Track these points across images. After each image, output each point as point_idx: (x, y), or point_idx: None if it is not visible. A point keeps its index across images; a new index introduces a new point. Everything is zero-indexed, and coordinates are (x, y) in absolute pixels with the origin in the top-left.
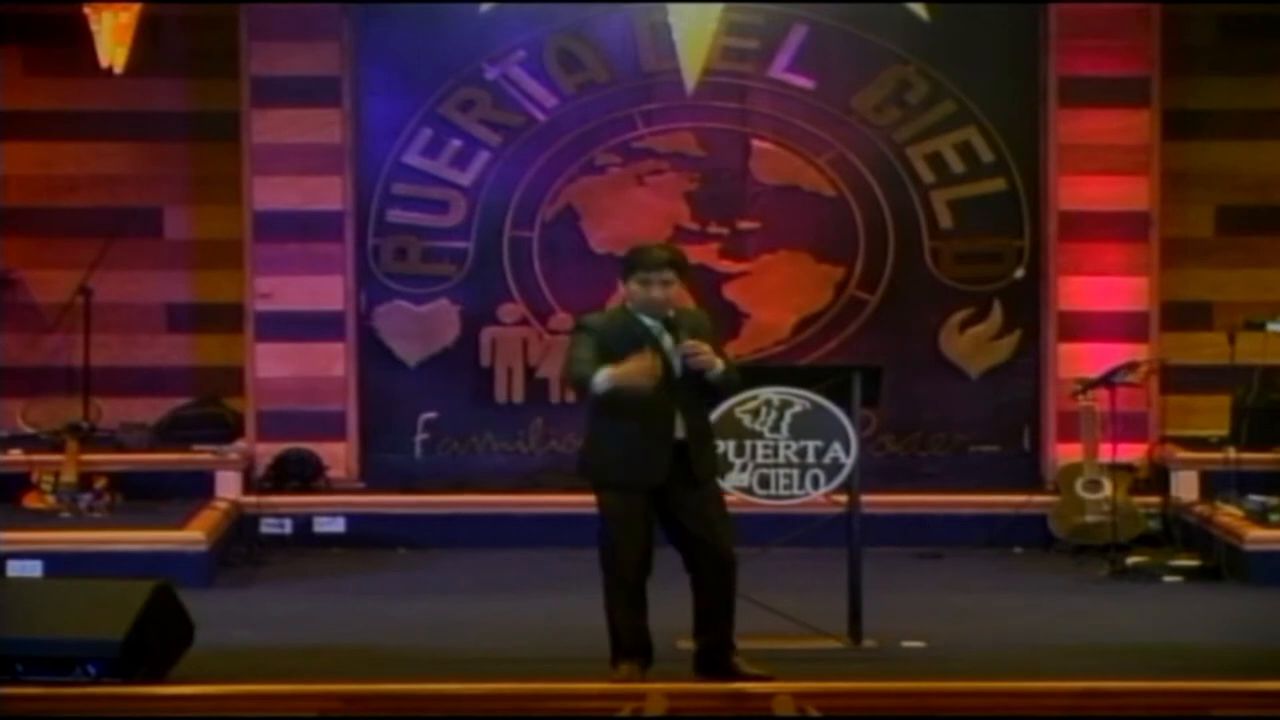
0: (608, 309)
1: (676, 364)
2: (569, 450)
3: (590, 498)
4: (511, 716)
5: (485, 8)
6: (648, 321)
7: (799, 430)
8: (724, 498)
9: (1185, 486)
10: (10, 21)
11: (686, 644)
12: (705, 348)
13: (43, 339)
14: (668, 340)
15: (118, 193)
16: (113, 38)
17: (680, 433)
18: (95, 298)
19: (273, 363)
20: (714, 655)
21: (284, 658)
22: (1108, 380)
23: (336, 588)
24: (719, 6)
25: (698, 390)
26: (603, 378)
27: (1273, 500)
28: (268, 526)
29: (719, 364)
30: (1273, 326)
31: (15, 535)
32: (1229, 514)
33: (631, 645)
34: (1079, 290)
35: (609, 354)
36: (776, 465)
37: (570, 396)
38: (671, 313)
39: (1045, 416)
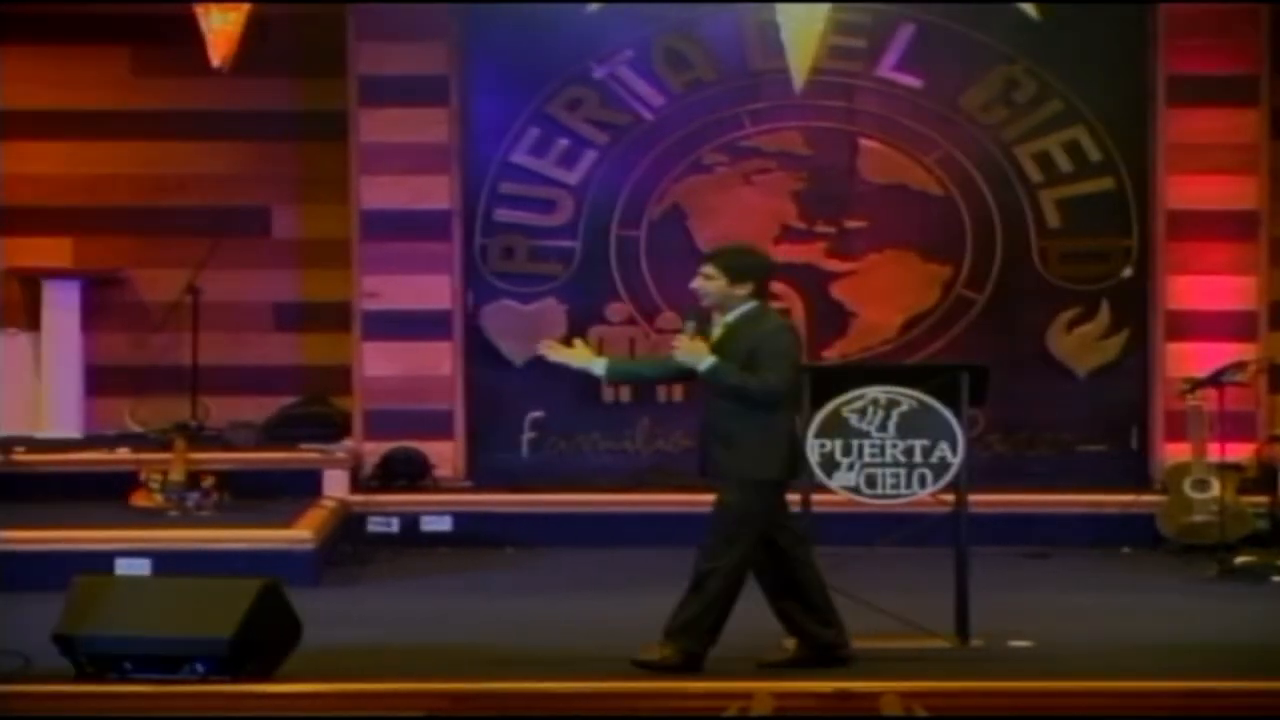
0: None
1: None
2: (675, 449)
3: (694, 497)
4: (617, 715)
5: (593, 7)
6: (716, 315)
7: (906, 429)
8: (738, 503)
9: None
10: (119, 21)
11: (792, 642)
12: (680, 343)
13: (151, 338)
14: (701, 332)
15: (226, 192)
16: (222, 37)
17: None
18: (203, 297)
19: (380, 362)
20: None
21: (391, 656)
22: (1216, 379)
23: (443, 587)
24: (826, 6)
25: (714, 389)
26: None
27: None
28: (375, 525)
29: (700, 361)
30: None
31: (124, 534)
32: None
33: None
34: (1187, 289)
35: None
36: (883, 465)
37: (677, 395)
38: (730, 312)
39: (1153, 416)
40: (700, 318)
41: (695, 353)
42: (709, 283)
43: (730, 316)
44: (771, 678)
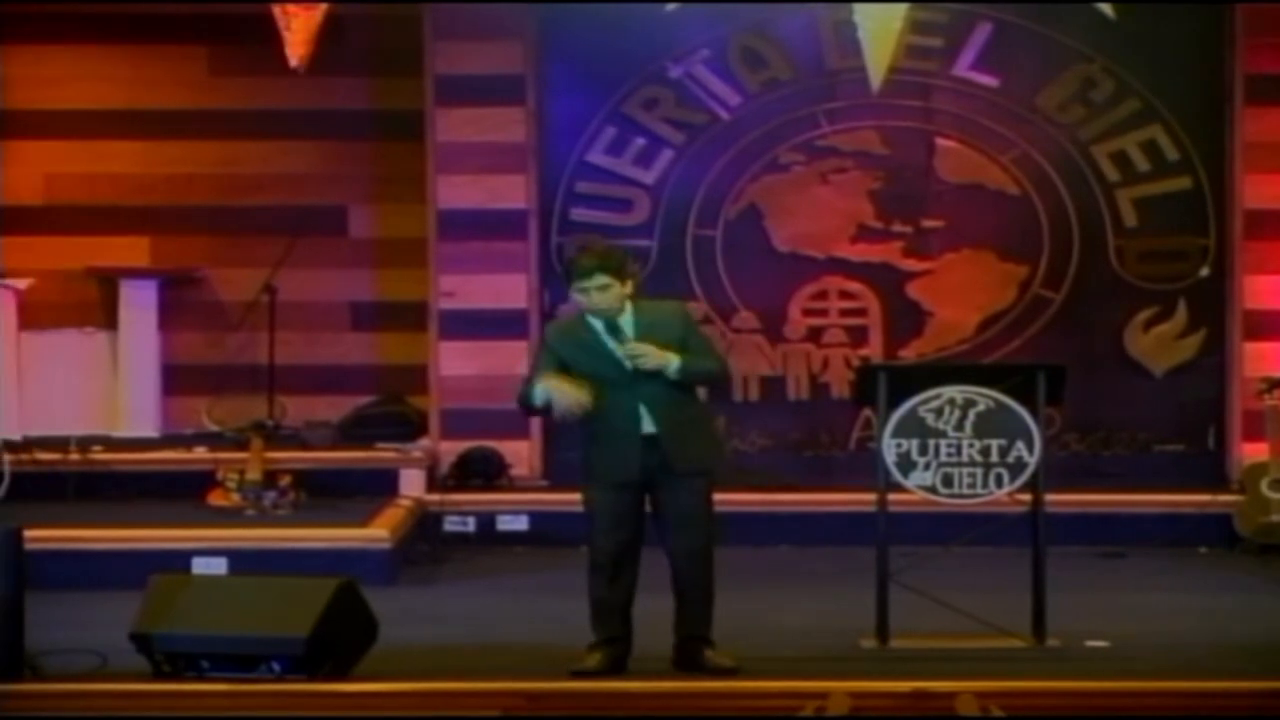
0: (571, 315)
1: (628, 363)
2: (750, 449)
3: (765, 496)
4: (693, 715)
5: (670, 7)
6: (596, 324)
7: (982, 429)
8: (711, 495)
9: None
10: (197, 21)
11: (870, 642)
12: (645, 349)
13: (227, 337)
14: (611, 342)
15: (302, 191)
16: (300, 37)
17: (649, 427)
18: (279, 296)
19: (456, 361)
20: (687, 649)
21: (467, 656)
22: None
23: (519, 586)
24: (904, 5)
25: (669, 384)
26: (540, 389)
27: None
28: (451, 524)
29: (671, 361)
30: None
31: (200, 533)
32: None
33: (602, 629)
34: (1265, 289)
35: (564, 363)
36: (960, 464)
37: (753, 394)
38: (624, 312)
39: (1230, 415)
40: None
41: (663, 356)
42: (607, 293)
43: (626, 316)
44: (846, 677)
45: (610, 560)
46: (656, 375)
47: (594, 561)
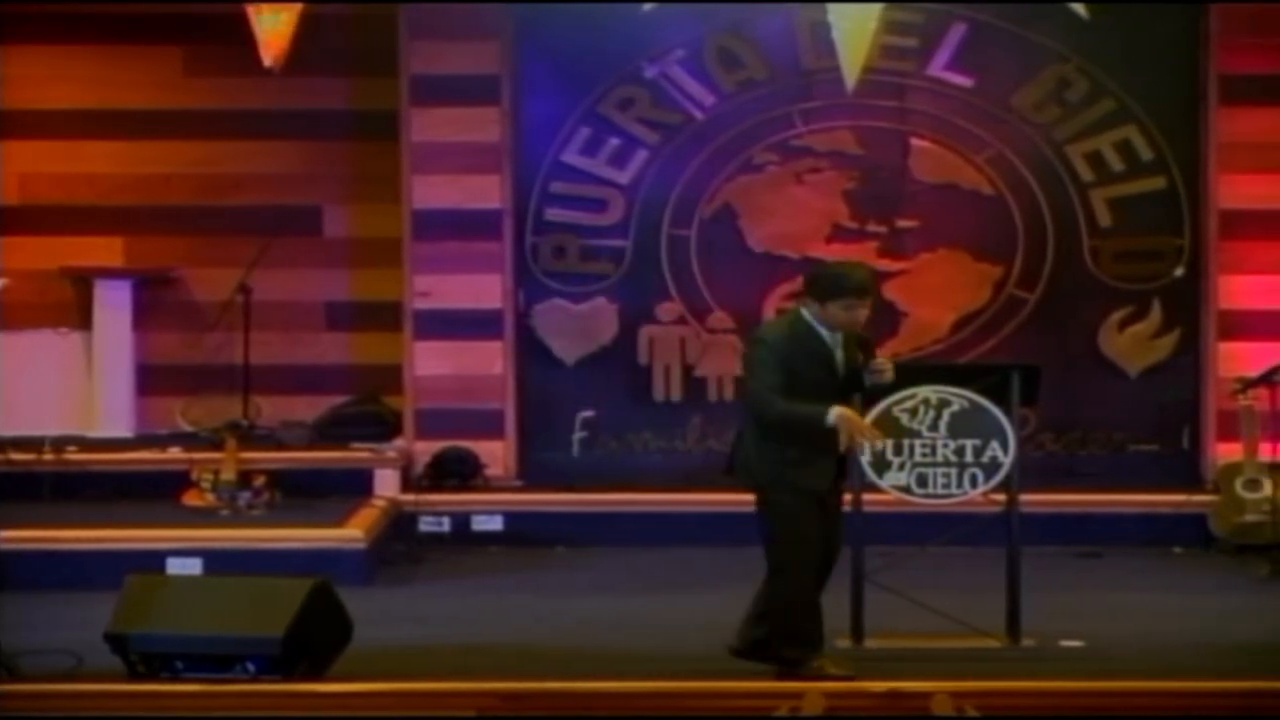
0: (784, 319)
1: (841, 373)
2: (727, 448)
3: (744, 497)
4: (669, 715)
5: (647, 7)
6: (824, 335)
7: (957, 429)
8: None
9: None
10: (172, 21)
11: (845, 642)
12: (890, 367)
13: (203, 337)
14: (840, 354)
15: (278, 191)
16: (274, 37)
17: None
18: (255, 296)
19: (431, 361)
20: (769, 644)
21: (442, 656)
22: (1268, 379)
23: (495, 586)
24: (879, 5)
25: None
26: (835, 415)
27: None
28: (426, 525)
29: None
30: None
31: (175, 533)
32: None
33: (818, 636)
34: (1239, 289)
35: (790, 370)
36: (934, 464)
37: (728, 394)
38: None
39: (1205, 415)
40: None
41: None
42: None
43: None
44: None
45: (814, 565)
46: (850, 389)
47: (801, 565)
